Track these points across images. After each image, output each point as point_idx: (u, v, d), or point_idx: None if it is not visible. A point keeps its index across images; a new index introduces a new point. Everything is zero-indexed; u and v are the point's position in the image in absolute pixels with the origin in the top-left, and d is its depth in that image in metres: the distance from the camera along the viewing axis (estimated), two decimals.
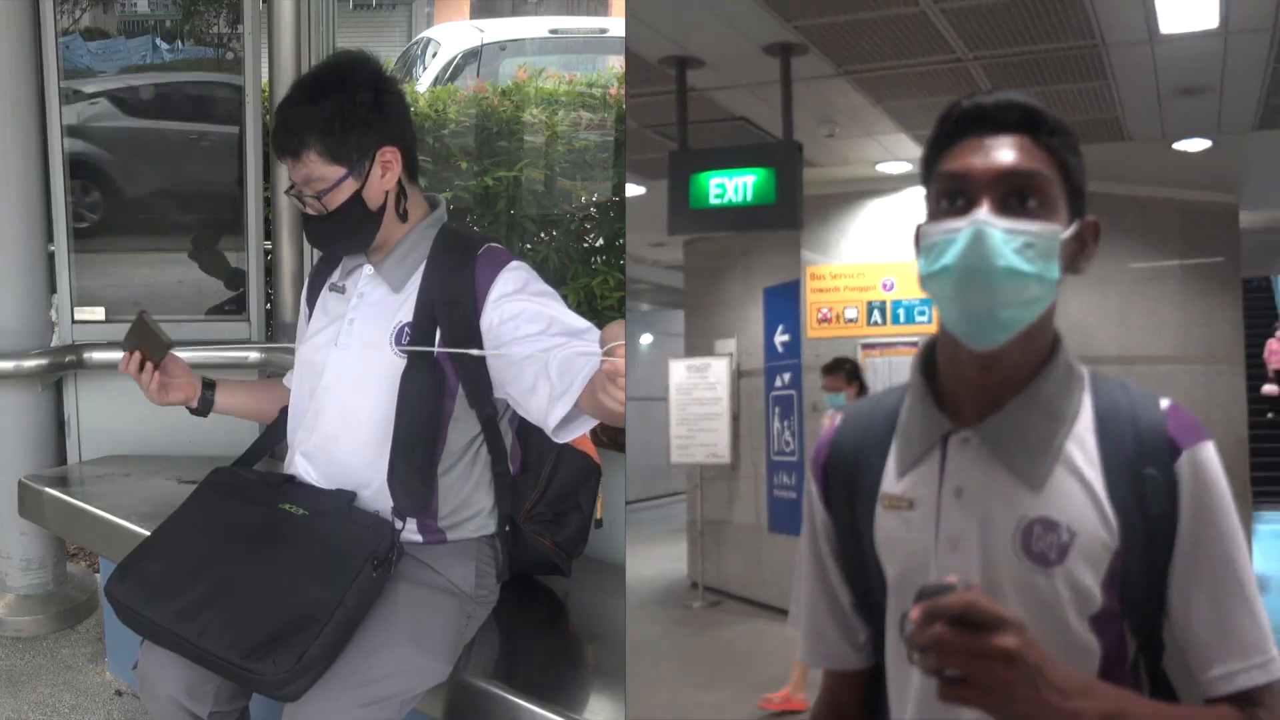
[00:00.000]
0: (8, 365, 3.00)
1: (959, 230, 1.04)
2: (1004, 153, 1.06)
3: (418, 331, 1.88)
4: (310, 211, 1.91)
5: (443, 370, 1.87)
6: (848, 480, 1.20)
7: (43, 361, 3.04)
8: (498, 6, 14.73)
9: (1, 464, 3.08)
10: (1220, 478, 1.08)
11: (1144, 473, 1.06)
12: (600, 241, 3.62)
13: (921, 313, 5.77)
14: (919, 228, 1.09)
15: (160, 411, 3.14)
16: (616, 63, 4.54)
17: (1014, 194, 1.05)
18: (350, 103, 1.84)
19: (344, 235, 1.92)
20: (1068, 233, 1.06)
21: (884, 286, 5.76)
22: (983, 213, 1.03)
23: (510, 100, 3.80)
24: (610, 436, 2.35)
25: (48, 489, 2.84)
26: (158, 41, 3.31)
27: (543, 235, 3.68)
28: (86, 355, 3.08)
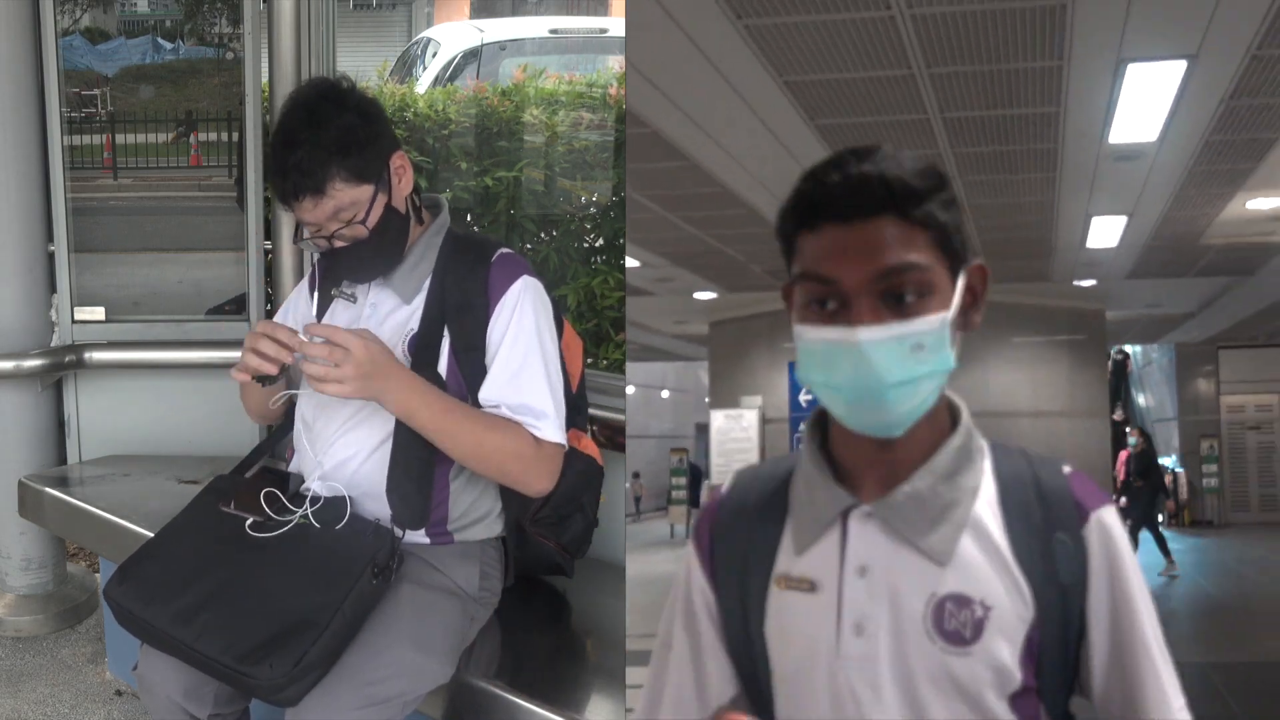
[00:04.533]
0: (8, 365, 3.01)
1: (839, 344, 0.97)
2: (873, 250, 0.96)
3: (423, 341, 1.88)
4: (340, 244, 1.85)
5: (445, 383, 1.87)
6: (739, 554, 1.11)
7: (43, 361, 3.04)
8: (498, 6, 14.73)
9: (1, 464, 3.08)
10: (1125, 539, 1.04)
11: (1052, 538, 1.02)
12: (600, 241, 3.62)
13: None
14: (795, 328, 1.01)
15: (160, 411, 3.18)
16: (616, 63, 4.54)
17: (891, 290, 0.97)
18: (355, 117, 1.81)
19: (385, 253, 1.89)
20: (956, 297, 0.99)
21: None
22: (864, 332, 0.96)
23: (510, 100, 3.79)
24: (608, 436, 2.35)
25: (48, 489, 2.84)
26: (159, 41, 3.31)
27: (543, 235, 3.68)
28: (86, 355, 3.08)
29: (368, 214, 1.82)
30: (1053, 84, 1.81)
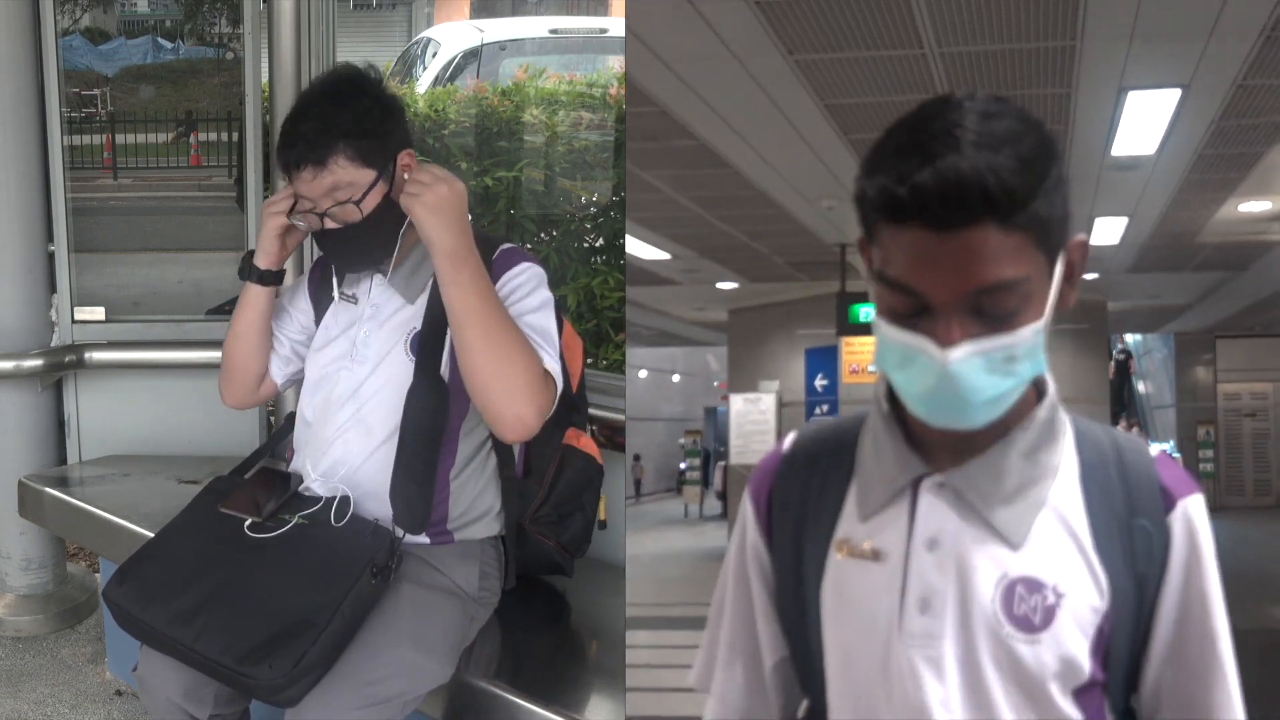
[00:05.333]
0: (8, 365, 3.01)
1: (923, 353, 0.89)
2: (967, 265, 0.86)
3: (426, 339, 1.87)
4: (331, 225, 1.84)
5: (446, 386, 1.87)
6: (797, 515, 1.05)
7: (43, 361, 3.04)
8: (498, 6, 14.73)
9: (1, 464, 3.08)
10: (1210, 535, 0.98)
11: (1133, 524, 0.96)
12: (600, 241, 3.62)
13: None
14: (874, 318, 0.93)
15: (160, 411, 3.18)
16: (616, 63, 4.54)
17: (984, 307, 0.89)
18: (373, 105, 1.83)
19: (377, 244, 1.88)
20: (1052, 294, 0.91)
21: None
22: (954, 352, 0.88)
23: (510, 100, 3.80)
24: (608, 436, 2.35)
25: (48, 489, 2.84)
26: (159, 40, 3.31)
27: (543, 235, 3.68)
28: (86, 355, 3.08)
29: (364, 197, 1.81)
30: (1061, 107, 1.99)
